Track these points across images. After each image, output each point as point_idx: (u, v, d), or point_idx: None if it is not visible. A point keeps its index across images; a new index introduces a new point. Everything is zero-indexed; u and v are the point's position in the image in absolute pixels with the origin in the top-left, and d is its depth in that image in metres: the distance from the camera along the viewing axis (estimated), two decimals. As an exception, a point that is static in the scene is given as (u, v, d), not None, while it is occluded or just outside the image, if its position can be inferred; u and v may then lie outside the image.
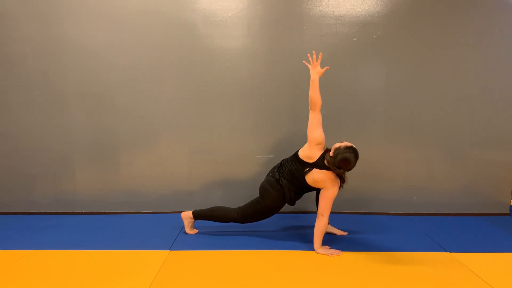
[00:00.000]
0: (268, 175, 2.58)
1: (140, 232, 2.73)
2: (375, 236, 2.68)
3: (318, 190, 2.48)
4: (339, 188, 2.37)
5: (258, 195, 2.56)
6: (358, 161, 2.25)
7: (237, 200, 3.10)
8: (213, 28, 3.02)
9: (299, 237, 2.64)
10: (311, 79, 2.38)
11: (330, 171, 2.31)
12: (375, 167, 3.14)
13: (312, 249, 2.39)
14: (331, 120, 3.12)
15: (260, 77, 3.08)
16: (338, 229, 2.72)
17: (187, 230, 2.70)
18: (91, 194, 3.21)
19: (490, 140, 3.17)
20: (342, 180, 2.37)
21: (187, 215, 2.70)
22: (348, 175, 2.40)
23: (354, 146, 2.25)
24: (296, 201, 2.53)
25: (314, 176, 2.34)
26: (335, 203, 2.44)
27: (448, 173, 3.21)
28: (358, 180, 3.05)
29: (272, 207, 2.50)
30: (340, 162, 2.21)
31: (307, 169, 2.36)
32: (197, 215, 2.67)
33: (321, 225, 2.33)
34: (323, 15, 3.01)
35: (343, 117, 3.12)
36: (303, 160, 2.37)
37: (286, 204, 2.51)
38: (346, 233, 2.68)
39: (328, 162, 2.29)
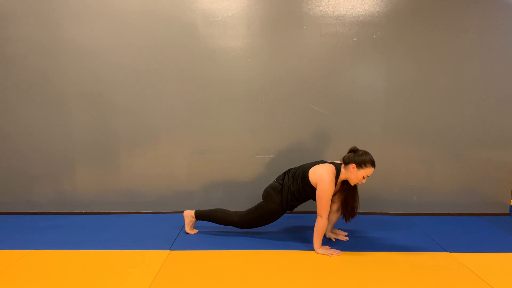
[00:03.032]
0: (274, 181, 2.60)
1: (140, 232, 2.73)
2: (375, 236, 2.68)
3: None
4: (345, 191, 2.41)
5: (261, 199, 2.57)
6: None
7: (237, 200, 3.11)
8: (213, 28, 3.02)
9: (299, 237, 2.64)
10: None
11: (332, 168, 2.33)
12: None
13: (312, 249, 2.39)
14: (331, 121, 3.13)
15: (260, 77, 3.08)
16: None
17: (187, 229, 2.70)
18: (91, 194, 3.21)
19: (490, 140, 3.17)
20: (348, 185, 2.41)
21: (188, 214, 2.71)
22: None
23: None
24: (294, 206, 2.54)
25: (315, 170, 2.37)
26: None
27: (448, 173, 3.21)
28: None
29: (274, 211, 2.50)
30: (363, 154, 2.30)
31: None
32: (199, 215, 2.68)
33: (320, 226, 2.33)
34: (323, 15, 3.01)
35: (343, 117, 3.12)
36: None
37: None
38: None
39: (347, 157, 2.34)
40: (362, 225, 2.90)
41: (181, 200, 3.21)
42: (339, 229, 2.72)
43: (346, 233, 2.67)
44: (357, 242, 2.56)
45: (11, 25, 3.01)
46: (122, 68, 3.06)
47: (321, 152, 3.13)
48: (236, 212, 2.62)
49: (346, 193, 2.46)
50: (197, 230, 2.75)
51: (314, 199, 2.39)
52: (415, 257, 2.32)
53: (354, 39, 3.04)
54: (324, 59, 3.06)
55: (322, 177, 2.30)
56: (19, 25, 3.01)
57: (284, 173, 2.58)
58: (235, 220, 2.58)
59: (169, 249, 2.42)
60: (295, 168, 2.55)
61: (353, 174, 2.31)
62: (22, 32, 3.02)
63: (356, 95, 3.10)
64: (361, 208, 3.16)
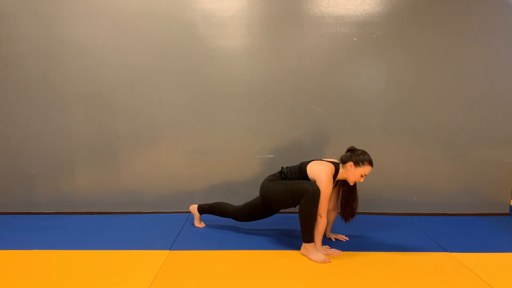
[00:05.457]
0: (268, 177, 2.58)
1: (140, 232, 2.73)
2: (375, 236, 2.68)
3: None
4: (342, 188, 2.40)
5: (260, 195, 2.55)
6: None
7: (237, 200, 3.10)
8: (213, 28, 3.02)
9: (299, 237, 2.63)
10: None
11: (331, 168, 2.32)
12: (375, 167, 3.11)
13: (312, 249, 2.39)
14: (332, 121, 3.13)
15: (260, 77, 3.08)
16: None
17: (195, 223, 2.85)
18: (91, 194, 3.21)
19: (490, 140, 3.17)
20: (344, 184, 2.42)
21: (193, 208, 2.86)
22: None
23: None
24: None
25: (314, 166, 2.36)
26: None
27: (448, 173, 3.21)
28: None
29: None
30: (361, 154, 2.31)
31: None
32: (201, 210, 2.82)
33: (319, 226, 2.33)
34: (323, 15, 3.01)
35: (343, 117, 3.12)
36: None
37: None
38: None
39: (345, 156, 2.36)
40: (362, 225, 2.90)
41: (181, 200, 3.21)
42: (339, 233, 2.70)
43: (347, 238, 2.65)
44: (357, 242, 2.56)
45: (11, 25, 3.01)
46: (122, 68, 3.06)
47: (321, 151, 3.13)
48: (233, 206, 2.69)
49: (346, 194, 2.45)
50: (204, 224, 2.86)
51: None
52: (415, 257, 2.32)
53: (354, 39, 3.04)
54: (324, 59, 3.06)
55: (320, 176, 2.30)
56: (19, 25, 3.01)
57: (280, 171, 2.55)
58: (231, 211, 2.66)
59: (169, 249, 2.42)
60: (290, 166, 2.54)
61: (351, 172, 2.32)
62: (22, 32, 3.02)
63: (356, 95, 3.10)
64: (361, 208, 3.15)
